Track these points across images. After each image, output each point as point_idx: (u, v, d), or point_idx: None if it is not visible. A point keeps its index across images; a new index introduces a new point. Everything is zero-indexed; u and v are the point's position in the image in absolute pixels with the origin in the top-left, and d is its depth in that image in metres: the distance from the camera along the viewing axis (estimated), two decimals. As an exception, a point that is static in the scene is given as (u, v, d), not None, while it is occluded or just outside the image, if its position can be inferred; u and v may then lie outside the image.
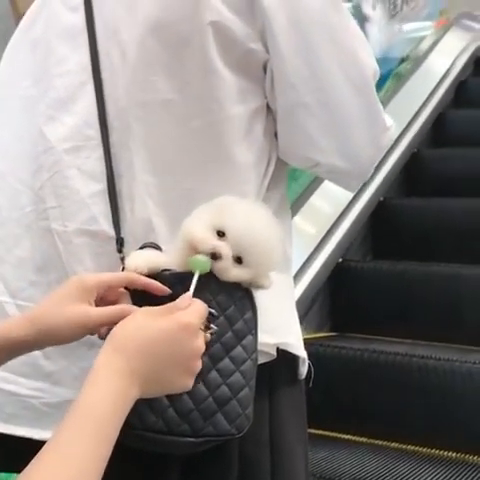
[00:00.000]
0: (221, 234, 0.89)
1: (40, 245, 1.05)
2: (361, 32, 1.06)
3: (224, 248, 0.88)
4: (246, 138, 1.02)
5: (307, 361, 1.11)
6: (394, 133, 1.11)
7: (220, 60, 0.98)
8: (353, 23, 1.05)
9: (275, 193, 1.08)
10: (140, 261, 0.91)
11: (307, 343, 1.13)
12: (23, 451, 0.93)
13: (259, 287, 0.93)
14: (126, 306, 0.84)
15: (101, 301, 0.85)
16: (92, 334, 0.84)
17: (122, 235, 0.99)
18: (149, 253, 0.94)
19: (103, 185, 1.01)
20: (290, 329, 1.08)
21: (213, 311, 0.88)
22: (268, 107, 1.05)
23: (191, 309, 0.79)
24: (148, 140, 1.00)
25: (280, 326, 1.05)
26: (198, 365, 0.79)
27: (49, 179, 1.04)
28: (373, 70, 1.05)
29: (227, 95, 0.99)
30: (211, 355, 0.88)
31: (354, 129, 1.04)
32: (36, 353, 1.01)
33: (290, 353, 1.07)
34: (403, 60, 4.21)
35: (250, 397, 0.91)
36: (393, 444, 2.23)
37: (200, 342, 0.79)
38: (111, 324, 0.81)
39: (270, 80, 1.02)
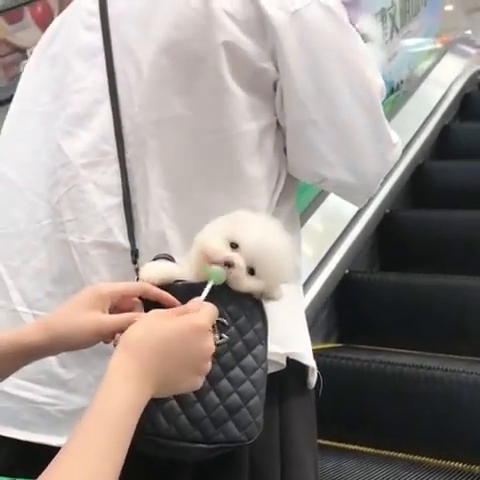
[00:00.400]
0: (234, 246, 0.92)
1: (57, 257, 1.07)
2: (367, 50, 1.08)
3: (237, 258, 0.91)
4: (257, 154, 1.04)
5: (316, 371, 1.13)
6: (400, 149, 1.13)
7: (232, 78, 1.01)
8: (360, 42, 1.07)
9: (285, 207, 1.10)
10: (153, 272, 0.94)
11: (314, 354, 1.14)
12: (40, 458, 0.95)
13: (270, 298, 0.96)
14: (139, 314, 0.86)
15: (115, 310, 0.88)
16: (106, 342, 0.86)
17: (137, 247, 1.01)
18: (162, 264, 0.96)
19: (119, 199, 1.04)
20: (299, 339, 1.10)
21: (224, 321, 0.91)
22: (278, 124, 1.08)
23: (202, 311, 0.82)
24: (162, 156, 1.02)
25: (290, 336, 1.07)
26: (208, 366, 0.81)
27: (66, 193, 1.07)
28: (380, 88, 1.07)
29: (238, 112, 1.02)
30: (222, 364, 0.91)
31: (361, 145, 1.07)
32: (52, 361, 1.04)
33: (299, 363, 1.08)
34: (393, 91, 4.01)
35: (260, 405, 0.93)
36: (400, 454, 2.23)
37: (210, 343, 0.81)
38: (124, 330, 0.83)
39: (280, 98, 1.05)
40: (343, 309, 2.93)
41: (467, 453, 2.16)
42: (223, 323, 0.91)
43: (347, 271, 2.96)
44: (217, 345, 0.89)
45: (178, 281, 0.93)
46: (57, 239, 1.08)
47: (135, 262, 1.00)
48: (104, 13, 1.09)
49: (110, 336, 0.85)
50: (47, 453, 0.93)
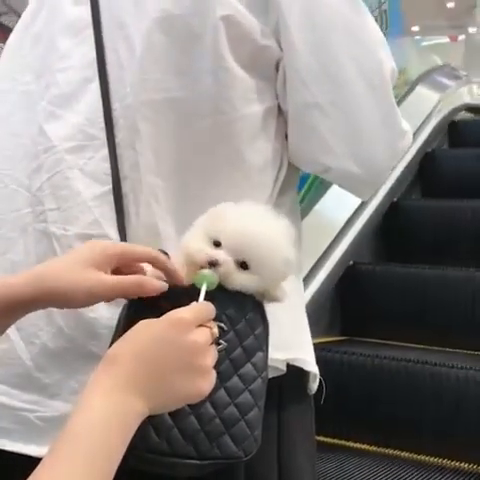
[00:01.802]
0: (217, 244, 0.85)
1: (35, 249, 0.99)
2: (381, 33, 1.01)
3: (220, 254, 0.83)
4: (258, 140, 0.97)
5: (318, 377, 1.07)
6: (411, 137, 1.06)
7: (232, 57, 0.94)
8: (372, 22, 1.00)
9: (286, 198, 1.04)
10: (148, 272, 0.86)
11: (317, 348, 1.09)
12: (16, 468, 0.89)
13: (273, 299, 0.88)
14: (144, 277, 0.79)
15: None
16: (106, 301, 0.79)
17: (127, 240, 0.94)
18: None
19: (107, 187, 0.96)
20: (302, 344, 1.05)
21: (223, 325, 0.83)
22: (280, 108, 1.00)
23: (187, 306, 0.74)
24: (155, 141, 0.95)
25: (292, 341, 1.02)
26: (206, 363, 0.73)
27: (48, 180, 0.99)
28: (391, 69, 0.99)
29: (239, 94, 0.95)
30: (219, 373, 0.82)
31: (369, 132, 0.99)
32: (29, 365, 0.96)
33: (301, 368, 1.03)
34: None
35: (259, 418, 0.85)
36: (404, 453, 2.19)
37: (195, 336, 0.72)
38: (126, 295, 0.78)
39: (282, 79, 0.98)
40: (347, 301, 2.88)
41: (474, 452, 2.12)
42: (222, 328, 0.83)
43: (351, 262, 2.90)
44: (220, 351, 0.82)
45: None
46: (37, 230, 0.99)
47: None
48: None
49: (106, 299, 0.78)
50: (25, 464, 0.86)
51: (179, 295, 0.82)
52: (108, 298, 0.79)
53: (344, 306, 2.87)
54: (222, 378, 0.83)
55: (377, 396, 2.30)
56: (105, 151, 0.96)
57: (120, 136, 0.96)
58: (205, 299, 0.79)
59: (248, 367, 0.85)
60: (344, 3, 0.97)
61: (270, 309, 0.89)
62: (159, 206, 0.95)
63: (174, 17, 0.94)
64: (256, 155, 0.97)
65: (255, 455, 0.88)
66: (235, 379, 0.84)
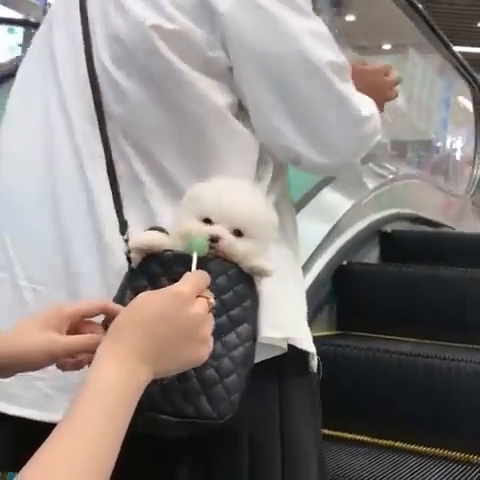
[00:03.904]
0: (208, 221, 0.91)
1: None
2: (319, 28, 1.04)
3: (217, 229, 0.90)
4: (228, 132, 1.03)
5: (316, 356, 1.12)
6: (376, 122, 1.08)
7: (183, 63, 1.00)
8: (312, 21, 1.03)
9: (275, 187, 1.08)
10: (142, 239, 0.94)
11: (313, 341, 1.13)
12: (29, 435, 0.95)
13: (262, 273, 0.94)
14: (97, 335, 0.83)
15: (76, 333, 0.86)
16: (59, 366, 0.85)
17: (126, 218, 1.00)
18: (153, 233, 0.95)
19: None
20: (299, 324, 1.09)
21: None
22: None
23: (184, 278, 0.79)
24: (134, 134, 1.03)
25: (288, 321, 1.05)
26: (205, 332, 0.78)
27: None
28: (326, 61, 1.02)
29: (199, 93, 1.01)
30: None
31: (324, 123, 1.04)
32: None
33: (299, 348, 1.07)
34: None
35: (237, 384, 0.89)
36: (398, 443, 2.23)
37: (196, 308, 0.77)
38: (80, 353, 0.83)
39: (237, 81, 1.04)
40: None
41: (465, 442, 2.16)
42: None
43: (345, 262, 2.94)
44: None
45: (167, 251, 0.92)
46: None
47: (124, 233, 0.98)
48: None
49: (64, 357, 0.84)
50: (37, 430, 0.92)
51: (172, 261, 0.90)
52: (67, 355, 0.84)
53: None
54: None
55: (371, 388, 2.34)
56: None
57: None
58: (197, 268, 0.85)
59: (232, 335, 0.90)
60: (282, 10, 1.00)
61: (268, 290, 0.95)
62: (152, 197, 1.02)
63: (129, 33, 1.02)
64: (228, 147, 1.02)
65: (258, 427, 0.96)
66: (218, 344, 0.89)
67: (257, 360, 0.97)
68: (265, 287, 0.97)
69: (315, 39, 1.01)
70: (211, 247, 0.89)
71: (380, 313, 2.84)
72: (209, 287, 0.85)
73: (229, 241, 0.90)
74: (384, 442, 2.25)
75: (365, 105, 1.05)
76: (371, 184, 3.48)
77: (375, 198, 3.48)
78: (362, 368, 2.36)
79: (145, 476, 0.98)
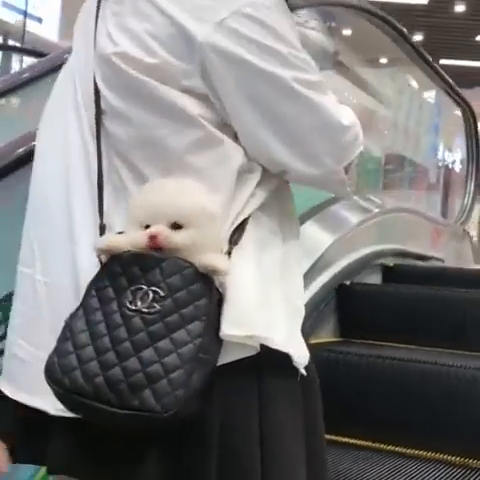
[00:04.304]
0: (148, 226, 1.00)
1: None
2: (289, 50, 1.06)
3: (154, 228, 0.99)
4: (206, 141, 1.06)
5: (302, 358, 1.09)
6: (357, 131, 1.12)
7: (161, 84, 1.05)
8: (279, 43, 1.06)
9: (262, 193, 1.11)
10: (103, 242, 1.02)
11: (315, 348, 1.14)
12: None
13: (216, 272, 0.98)
14: None
15: None
16: None
17: (104, 222, 1.07)
18: (115, 236, 1.03)
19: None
20: (271, 322, 1.06)
21: (160, 291, 0.96)
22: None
23: None
24: (121, 146, 1.09)
25: (255, 319, 1.03)
26: None
27: None
28: (290, 77, 1.05)
29: (178, 107, 1.05)
30: (151, 333, 0.94)
31: (303, 134, 1.08)
32: (45, 328, 1.10)
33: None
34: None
35: (184, 380, 0.92)
36: (397, 448, 2.25)
37: None
38: None
39: (218, 105, 1.08)
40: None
41: (464, 446, 2.18)
42: (158, 294, 0.96)
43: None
44: (148, 314, 0.94)
45: (126, 252, 0.99)
46: None
47: (101, 235, 1.06)
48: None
49: None
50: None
51: (130, 261, 0.98)
52: None
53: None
54: (153, 338, 0.94)
55: (370, 393, 2.37)
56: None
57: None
58: (152, 265, 0.97)
59: (182, 332, 0.94)
60: (259, 37, 1.04)
61: (234, 288, 1.00)
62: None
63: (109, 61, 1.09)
64: (210, 155, 1.06)
65: (231, 423, 1.00)
66: (166, 341, 0.94)
67: (230, 359, 1.00)
68: (233, 285, 1.01)
69: (281, 61, 1.05)
70: (151, 246, 0.98)
71: (380, 329, 2.89)
72: (157, 286, 0.94)
73: (164, 235, 0.98)
74: (384, 446, 2.27)
75: (345, 115, 1.10)
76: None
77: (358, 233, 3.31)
78: (362, 374, 2.39)
79: (114, 457, 1.01)
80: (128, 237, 1.01)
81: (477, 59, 14.59)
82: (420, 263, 4.13)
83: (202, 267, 0.98)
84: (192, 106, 1.05)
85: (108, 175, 1.09)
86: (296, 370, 1.08)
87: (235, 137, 1.09)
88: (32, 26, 9.59)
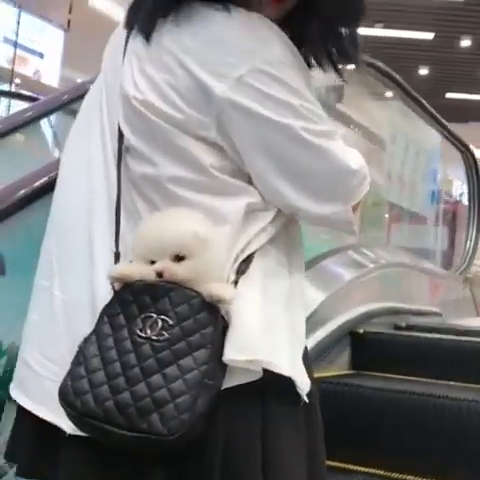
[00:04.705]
0: (152, 262, 1.05)
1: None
2: (302, 103, 1.12)
3: (158, 265, 1.04)
4: (217, 183, 1.12)
5: (301, 381, 1.12)
6: (364, 175, 1.17)
7: (175, 129, 1.11)
8: (294, 97, 1.11)
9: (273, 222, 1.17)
10: (116, 271, 1.07)
11: (326, 381, 1.20)
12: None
13: (221, 301, 1.03)
14: None
15: None
16: None
17: (120, 250, 1.12)
18: (128, 265, 1.08)
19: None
20: (273, 347, 1.09)
21: (169, 320, 1.01)
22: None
23: None
24: (139, 182, 1.15)
25: (259, 344, 1.07)
26: None
27: None
28: (299, 127, 1.10)
29: (190, 155, 1.11)
30: (159, 359, 1.00)
31: (315, 179, 1.14)
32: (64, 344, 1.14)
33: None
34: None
35: (189, 405, 0.97)
36: (408, 477, 2.27)
37: None
38: None
39: (230, 153, 1.13)
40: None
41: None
42: (167, 322, 1.01)
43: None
44: (157, 341, 1.00)
45: (138, 281, 1.05)
46: None
47: (116, 263, 1.11)
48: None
49: None
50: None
51: (141, 291, 1.04)
52: None
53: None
54: (161, 364, 1.00)
55: (383, 426, 2.38)
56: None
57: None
58: (161, 294, 1.02)
59: (188, 359, 1.00)
60: (277, 92, 1.10)
61: (237, 315, 1.05)
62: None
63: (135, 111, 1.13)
64: (220, 197, 1.11)
65: (234, 445, 1.05)
66: (173, 367, 0.99)
67: (232, 383, 1.04)
68: (237, 312, 1.05)
69: (293, 113, 1.10)
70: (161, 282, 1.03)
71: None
72: (166, 314, 1.01)
73: (169, 271, 1.03)
74: (395, 475, 2.28)
75: (353, 159, 1.16)
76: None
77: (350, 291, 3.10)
78: (375, 407, 2.41)
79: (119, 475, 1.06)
80: (137, 270, 1.06)
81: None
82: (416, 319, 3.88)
83: (208, 296, 1.03)
84: (206, 156, 1.11)
85: (125, 205, 1.14)
86: (299, 396, 1.12)
87: (248, 181, 1.14)
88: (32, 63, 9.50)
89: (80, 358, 1.03)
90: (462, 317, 4.62)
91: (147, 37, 1.14)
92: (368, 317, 3.16)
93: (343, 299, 2.97)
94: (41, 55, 9.83)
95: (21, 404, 1.18)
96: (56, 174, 1.29)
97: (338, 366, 2.81)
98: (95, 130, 1.21)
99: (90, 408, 1.00)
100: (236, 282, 1.08)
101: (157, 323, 1.01)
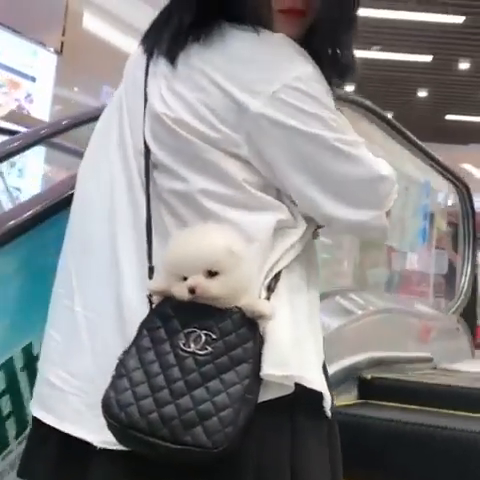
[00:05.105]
0: (184, 278, 1.06)
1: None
2: (330, 116, 1.17)
3: (190, 281, 1.05)
4: (247, 199, 1.15)
5: (328, 395, 1.16)
6: (392, 182, 1.21)
7: (206, 144, 1.14)
8: (324, 110, 1.16)
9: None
10: (159, 282, 1.09)
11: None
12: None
13: (262, 317, 1.06)
14: None
15: None
16: None
17: (153, 264, 1.14)
18: (166, 279, 1.08)
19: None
20: (303, 363, 1.14)
21: (213, 335, 1.03)
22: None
23: None
24: (167, 197, 1.17)
25: (291, 359, 1.11)
26: None
27: None
28: (333, 138, 1.15)
29: (221, 170, 1.14)
30: (202, 373, 1.01)
31: (351, 187, 1.18)
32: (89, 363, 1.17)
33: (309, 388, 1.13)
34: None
35: (233, 418, 0.99)
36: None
37: None
38: None
39: (263, 168, 1.17)
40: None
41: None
42: (210, 336, 1.03)
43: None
44: (200, 355, 1.02)
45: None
46: None
47: (151, 277, 1.13)
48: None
49: None
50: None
51: (182, 306, 1.06)
52: None
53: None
54: (205, 378, 1.01)
55: (391, 457, 2.39)
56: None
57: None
58: (203, 313, 1.04)
59: (231, 373, 1.02)
60: (308, 106, 1.15)
61: (273, 331, 1.07)
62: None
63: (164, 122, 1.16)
64: (250, 211, 1.15)
65: (266, 460, 1.08)
66: (216, 381, 1.01)
67: (267, 398, 1.08)
68: (271, 328, 1.08)
69: (324, 125, 1.15)
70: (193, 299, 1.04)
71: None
72: (210, 330, 1.03)
73: (202, 287, 1.05)
74: None
75: (383, 166, 1.21)
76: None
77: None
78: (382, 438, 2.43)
79: None
80: (171, 288, 1.06)
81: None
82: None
83: (250, 312, 1.05)
84: (238, 171, 1.15)
85: (153, 219, 1.16)
86: (323, 410, 1.16)
87: (278, 197, 1.18)
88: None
89: (122, 371, 1.05)
90: (457, 360, 4.35)
91: (173, 59, 1.18)
92: (349, 371, 3.01)
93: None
94: (33, 79, 9.84)
95: (46, 422, 1.18)
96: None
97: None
98: (113, 148, 1.24)
99: (134, 420, 1.01)
100: (268, 298, 1.11)
101: (201, 337, 1.04)
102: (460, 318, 4.89)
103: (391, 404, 2.83)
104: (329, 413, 1.16)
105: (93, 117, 1.95)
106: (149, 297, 1.10)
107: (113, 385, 1.04)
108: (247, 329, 1.05)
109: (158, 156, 1.17)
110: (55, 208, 1.55)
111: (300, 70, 1.16)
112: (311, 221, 1.22)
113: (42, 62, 9.65)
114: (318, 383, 1.14)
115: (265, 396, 1.07)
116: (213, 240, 1.07)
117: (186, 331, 1.05)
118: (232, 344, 1.03)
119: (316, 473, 1.16)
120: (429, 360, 3.99)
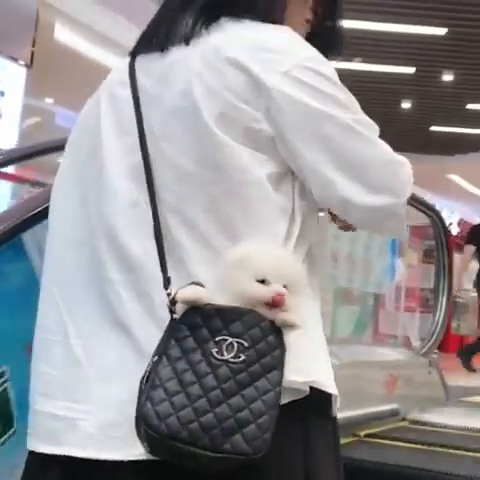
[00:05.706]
0: (262, 281, 1.07)
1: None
2: (346, 97, 1.21)
3: (276, 287, 1.06)
4: (265, 200, 1.16)
5: (338, 397, 1.21)
6: (410, 169, 1.22)
7: (226, 135, 1.14)
8: (338, 91, 1.20)
9: (302, 248, 1.21)
10: (189, 293, 1.07)
11: None
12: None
13: (292, 326, 1.08)
14: None
15: None
16: None
17: (169, 275, 1.12)
18: (197, 288, 1.09)
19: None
20: (319, 369, 1.19)
21: (244, 343, 1.04)
22: (286, 172, 1.20)
23: None
24: (180, 206, 1.16)
25: (310, 366, 1.16)
26: None
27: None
28: (351, 118, 1.18)
29: (241, 163, 1.15)
30: (238, 381, 1.03)
31: (368, 167, 1.18)
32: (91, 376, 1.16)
33: (321, 391, 1.17)
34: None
35: (269, 424, 1.02)
36: None
37: None
38: None
39: (284, 150, 1.18)
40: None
41: None
42: (243, 344, 1.04)
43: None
44: (234, 363, 1.03)
45: (208, 304, 1.07)
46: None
47: (167, 288, 1.10)
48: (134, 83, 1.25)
49: None
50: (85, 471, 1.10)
51: (213, 314, 1.06)
52: None
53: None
54: (240, 386, 1.03)
55: None
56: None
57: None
58: (234, 318, 1.05)
59: (263, 381, 1.04)
60: (323, 86, 1.18)
61: (291, 339, 1.09)
62: (191, 261, 1.15)
63: (184, 109, 1.17)
64: (266, 210, 1.16)
65: (281, 465, 1.11)
66: (251, 388, 1.03)
67: (284, 401, 1.08)
68: (290, 335, 1.10)
69: (340, 105, 1.18)
70: (272, 303, 1.06)
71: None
72: (242, 338, 1.04)
73: (285, 298, 1.06)
74: None
75: (396, 154, 1.21)
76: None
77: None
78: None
79: None
80: (247, 289, 1.07)
81: (467, 126, 14.55)
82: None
83: (280, 321, 1.07)
84: (256, 166, 1.15)
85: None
86: (330, 411, 1.21)
87: (291, 191, 1.19)
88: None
89: (156, 381, 1.03)
90: (427, 408, 4.05)
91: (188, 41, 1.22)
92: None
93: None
94: (2, 93, 9.70)
95: (56, 453, 1.15)
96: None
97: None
98: (93, 155, 1.23)
99: (174, 430, 1.00)
100: None
101: (233, 345, 1.05)
102: (433, 359, 4.50)
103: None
104: (336, 412, 1.22)
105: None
106: (170, 306, 1.08)
107: (149, 396, 1.03)
108: (274, 337, 1.07)
109: (170, 157, 1.17)
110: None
111: (310, 52, 1.21)
112: (313, 232, 1.23)
113: (11, 76, 9.50)
114: (332, 386, 1.20)
115: (282, 400, 1.08)
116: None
117: (217, 339, 1.06)
118: (262, 352, 1.05)
119: (327, 475, 1.21)
120: (395, 413, 3.68)
